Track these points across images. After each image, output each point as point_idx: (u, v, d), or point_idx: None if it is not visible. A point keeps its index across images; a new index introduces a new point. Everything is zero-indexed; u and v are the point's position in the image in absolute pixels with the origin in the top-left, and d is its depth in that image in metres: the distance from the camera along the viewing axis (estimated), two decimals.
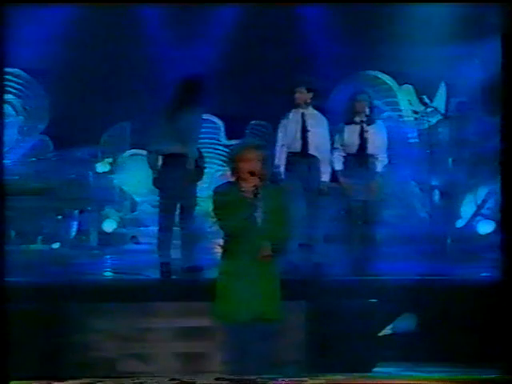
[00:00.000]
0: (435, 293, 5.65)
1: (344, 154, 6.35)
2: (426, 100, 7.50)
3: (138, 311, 5.40)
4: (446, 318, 5.49)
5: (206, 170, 6.47)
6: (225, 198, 4.31)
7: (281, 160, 6.19)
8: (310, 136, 6.20)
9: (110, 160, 8.27)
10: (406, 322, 5.48)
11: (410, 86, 8.09)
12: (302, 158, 6.20)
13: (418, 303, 5.56)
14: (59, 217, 7.56)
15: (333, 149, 6.34)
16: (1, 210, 4.47)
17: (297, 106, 6.28)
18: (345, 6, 7.49)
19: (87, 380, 4.26)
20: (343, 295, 5.50)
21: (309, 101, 6.27)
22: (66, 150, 7.87)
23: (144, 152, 8.39)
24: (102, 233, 7.95)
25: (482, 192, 7.65)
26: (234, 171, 4.37)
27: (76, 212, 7.81)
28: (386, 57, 7.78)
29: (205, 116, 8.39)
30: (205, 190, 8.03)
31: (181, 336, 5.30)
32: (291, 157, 6.21)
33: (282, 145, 6.25)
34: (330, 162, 6.29)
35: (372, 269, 6.09)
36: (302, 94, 6.23)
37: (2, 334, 4.32)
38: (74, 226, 7.79)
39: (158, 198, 6.28)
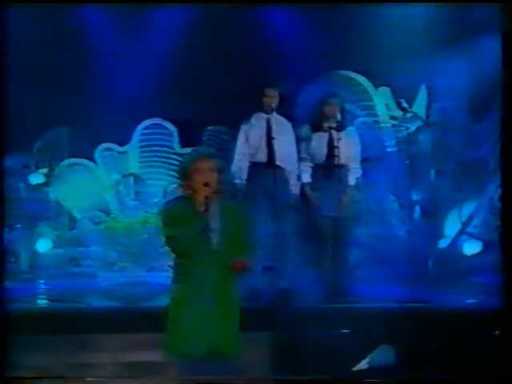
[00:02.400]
0: (415, 321, 5.70)
1: (313, 165, 6.38)
2: (405, 104, 7.57)
3: (77, 344, 5.34)
4: (427, 349, 5.54)
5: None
6: (174, 214, 4.31)
7: (242, 171, 6.21)
8: (276, 144, 6.22)
9: (45, 170, 8.19)
10: (383, 355, 5.52)
11: (387, 89, 8.17)
12: (266, 168, 6.22)
13: (396, 333, 5.60)
14: None
15: (300, 159, 6.38)
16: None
17: (260, 109, 6.30)
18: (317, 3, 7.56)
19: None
20: (313, 325, 5.51)
21: (274, 104, 6.30)
22: None
23: (84, 161, 8.42)
24: (34, 254, 7.87)
25: (468, 208, 7.73)
26: (187, 184, 4.37)
27: (5, 230, 7.70)
28: (360, 55, 7.86)
29: (156, 121, 8.45)
30: (154, 205, 8.06)
31: (127, 372, 5.26)
32: (254, 167, 6.22)
33: (244, 154, 6.27)
34: (297, 173, 6.32)
35: (345, 295, 6.11)
36: (272, 98, 6.25)
37: None
38: (2, 246, 7.69)
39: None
